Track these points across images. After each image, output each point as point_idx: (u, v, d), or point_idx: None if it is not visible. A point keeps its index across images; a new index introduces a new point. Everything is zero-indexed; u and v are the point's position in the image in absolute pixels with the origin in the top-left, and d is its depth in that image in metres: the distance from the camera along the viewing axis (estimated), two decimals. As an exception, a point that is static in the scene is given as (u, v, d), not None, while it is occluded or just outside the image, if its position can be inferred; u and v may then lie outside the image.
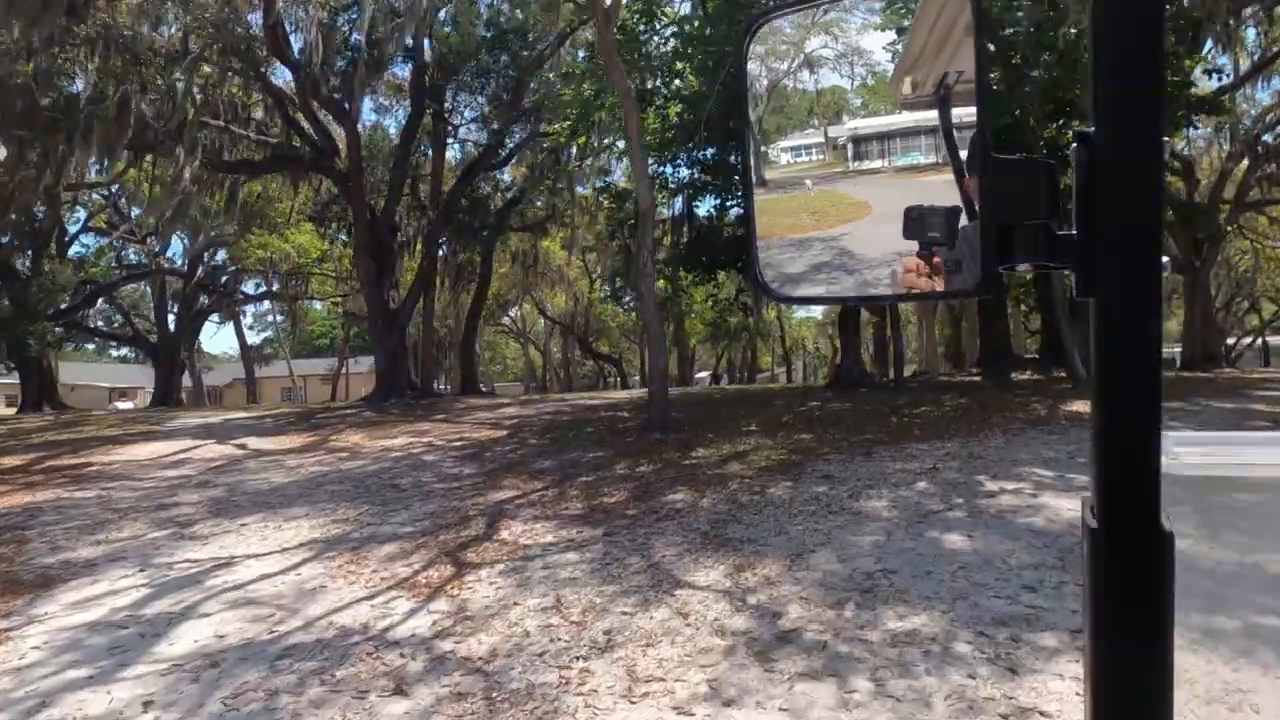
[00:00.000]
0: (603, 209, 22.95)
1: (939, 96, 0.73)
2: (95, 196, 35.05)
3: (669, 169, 19.24)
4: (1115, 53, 0.61)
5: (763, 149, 0.96)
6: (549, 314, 45.57)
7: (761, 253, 0.81)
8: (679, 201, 20.71)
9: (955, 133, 0.73)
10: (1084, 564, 0.64)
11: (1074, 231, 0.63)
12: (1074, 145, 0.62)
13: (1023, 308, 28.47)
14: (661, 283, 25.10)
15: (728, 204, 19.22)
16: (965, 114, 0.72)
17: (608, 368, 57.23)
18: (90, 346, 55.06)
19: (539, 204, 27.91)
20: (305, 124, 21.66)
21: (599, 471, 8.71)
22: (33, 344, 29.40)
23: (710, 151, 18.32)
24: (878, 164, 0.84)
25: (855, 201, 0.83)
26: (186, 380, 48.01)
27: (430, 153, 23.50)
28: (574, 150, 20.63)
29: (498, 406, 19.46)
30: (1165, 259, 0.61)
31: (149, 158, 27.43)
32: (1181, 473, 0.75)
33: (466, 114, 23.74)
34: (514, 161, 24.29)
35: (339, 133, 21.72)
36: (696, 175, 18.91)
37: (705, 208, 20.75)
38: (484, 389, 62.46)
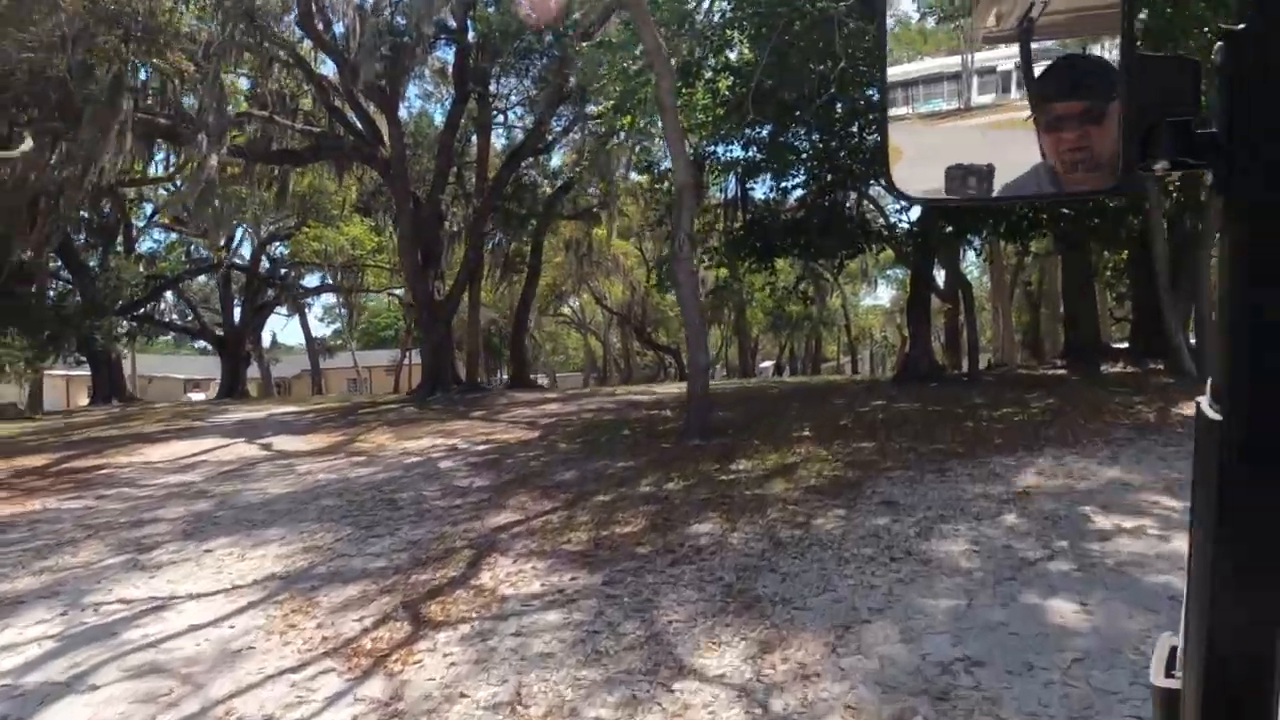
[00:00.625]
0: (652, 193, 21.62)
1: (1023, 29, 0.74)
2: (161, 192, 35.42)
3: (720, 148, 17.83)
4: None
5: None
6: (606, 304, 44.50)
7: (893, 160, 0.82)
8: (731, 184, 19.28)
9: (1036, 70, 0.73)
10: (1198, 465, 0.61)
11: (1215, 130, 0.62)
12: (1219, 43, 0.60)
13: (1110, 294, 26.09)
14: (720, 270, 23.74)
15: (784, 185, 17.72)
16: (1046, 49, 0.74)
17: (667, 358, 55.99)
18: (168, 339, 56.44)
19: (591, 190, 26.77)
20: (350, 113, 20.94)
21: (621, 488, 7.45)
22: (99, 339, 29.68)
23: (765, 129, 16.85)
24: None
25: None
26: (256, 372, 48.66)
27: (475, 139, 22.53)
28: (620, 131, 19.36)
29: (541, 402, 18.40)
30: None
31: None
32: None
33: (512, 97, 22.68)
34: (563, 146, 23.18)
35: (383, 121, 20.92)
36: (750, 155, 17.45)
37: (760, 190, 19.27)
38: (543, 380, 61.98)
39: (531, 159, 23.12)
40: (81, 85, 16.21)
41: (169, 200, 20.47)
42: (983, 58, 0.83)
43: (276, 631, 4.63)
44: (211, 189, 15.28)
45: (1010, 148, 0.79)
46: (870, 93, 16.15)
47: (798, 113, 15.31)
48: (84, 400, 38.18)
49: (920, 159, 0.84)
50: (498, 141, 24.74)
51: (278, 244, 37.33)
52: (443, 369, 21.12)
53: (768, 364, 66.27)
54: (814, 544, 5.27)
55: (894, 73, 0.86)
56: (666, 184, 16.76)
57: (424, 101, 30.84)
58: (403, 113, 22.43)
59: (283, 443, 13.49)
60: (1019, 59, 0.74)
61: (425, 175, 23.17)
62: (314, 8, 18.12)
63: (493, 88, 22.08)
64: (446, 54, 22.45)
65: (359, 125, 20.81)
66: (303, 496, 8.34)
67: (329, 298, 52.69)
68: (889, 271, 47.28)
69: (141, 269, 38.62)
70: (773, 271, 18.77)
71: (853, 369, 48.56)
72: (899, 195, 0.84)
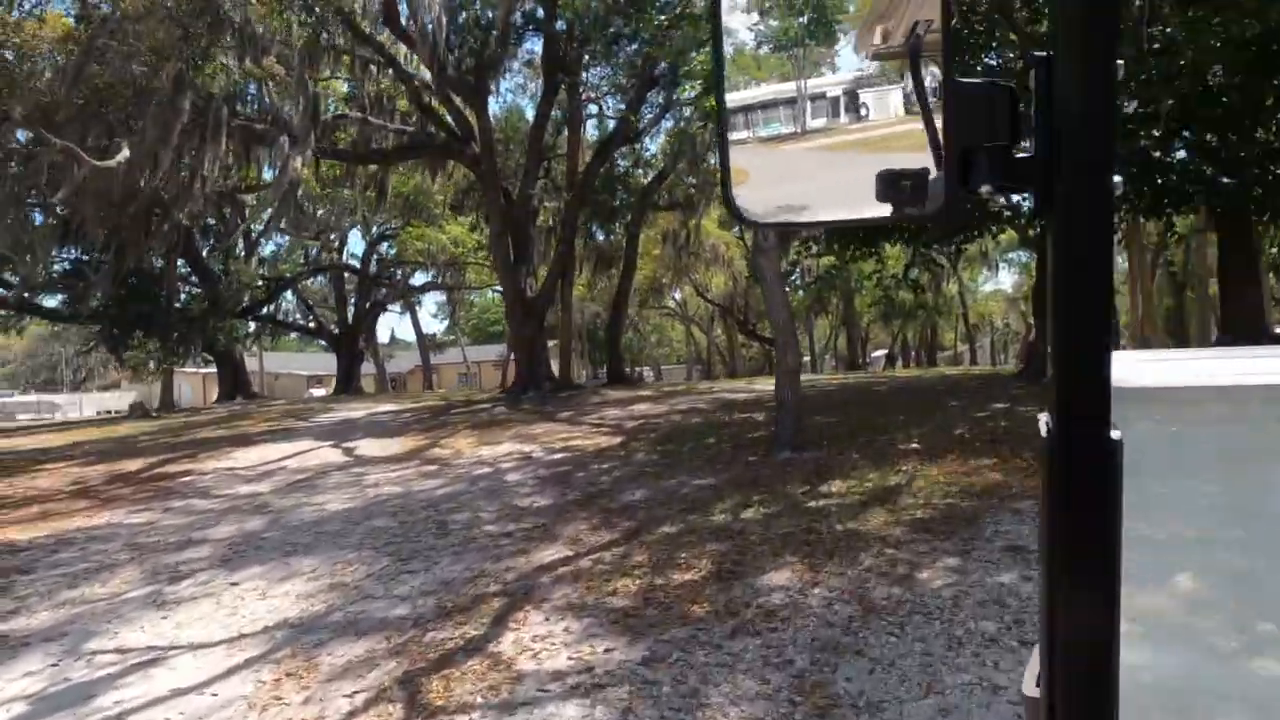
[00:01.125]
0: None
1: (910, 46, 0.76)
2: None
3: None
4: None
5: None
6: (708, 296, 43.34)
7: (736, 184, 0.82)
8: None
9: (925, 81, 0.74)
10: (1040, 472, 0.66)
11: (1033, 153, 0.64)
12: (1033, 68, 0.63)
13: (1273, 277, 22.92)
14: (828, 258, 22.21)
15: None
16: (933, 65, 0.74)
17: (772, 351, 54.36)
18: (292, 338, 59.15)
19: (689, 180, 25.72)
20: (442, 110, 20.68)
21: (691, 515, 6.44)
22: (222, 339, 30.95)
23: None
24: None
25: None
26: (372, 368, 50.23)
27: (566, 131, 21.87)
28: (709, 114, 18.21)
29: (633, 401, 17.55)
30: (1117, 179, 0.64)
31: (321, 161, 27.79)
32: (1135, 385, 0.76)
33: (602, 86, 21.87)
34: (656, 134, 22.22)
35: (474, 117, 20.55)
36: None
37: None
38: (648, 373, 61.34)
39: (624, 148, 22.28)
40: (180, 95, 16.48)
41: (257, 204, 20.63)
42: (815, 84, 0.85)
43: (259, 705, 3.89)
44: (294, 191, 15.17)
45: (844, 171, 0.82)
46: (992, 59, 14.49)
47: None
48: (215, 397, 40.00)
49: (763, 182, 0.85)
50: (589, 133, 24.06)
51: (385, 244, 38.13)
52: (536, 367, 20.61)
53: (879, 354, 63.39)
54: (916, 610, 4.10)
55: (733, 97, 0.86)
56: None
57: (514, 95, 30.49)
58: (492, 107, 22.04)
59: (367, 447, 13.16)
60: (907, 76, 0.77)
61: (516, 170, 22.73)
62: (398, 5, 17.84)
63: (582, 77, 21.35)
64: (535, 44, 21.87)
65: (450, 122, 20.51)
66: (357, 515, 7.74)
67: (439, 295, 53.81)
68: (1010, 254, 44.15)
69: (264, 271, 40.34)
70: (880, 258, 17.22)
71: (971, 359, 45.58)
72: (740, 218, 0.82)
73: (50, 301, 32.02)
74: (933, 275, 29.62)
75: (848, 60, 0.83)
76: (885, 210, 0.73)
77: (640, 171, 22.85)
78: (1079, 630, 0.66)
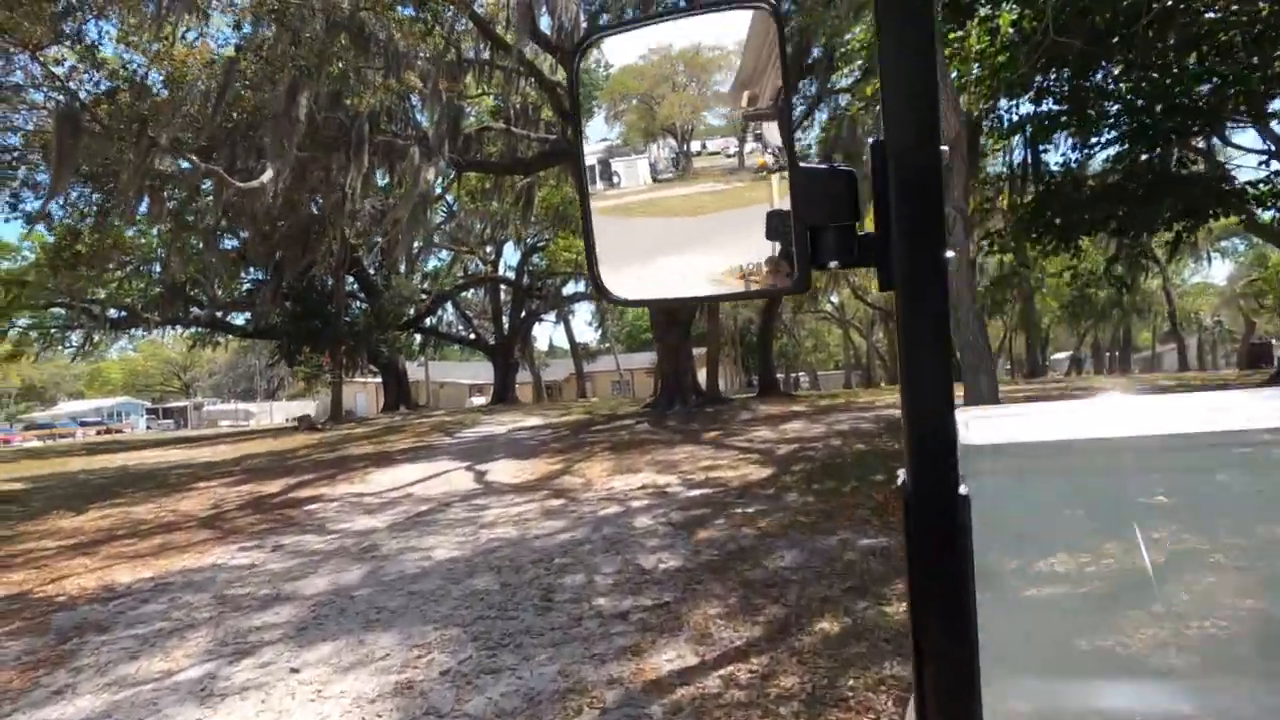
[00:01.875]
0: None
1: (776, 108, 0.80)
2: (438, 216, 37.75)
3: (1003, 103, 14.09)
4: (896, 74, 0.66)
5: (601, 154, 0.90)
6: (868, 299, 40.41)
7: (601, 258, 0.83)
8: (1018, 148, 15.34)
9: (792, 140, 0.78)
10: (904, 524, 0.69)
11: (873, 231, 0.69)
12: (871, 154, 0.66)
13: None
14: (1004, 256, 19.52)
15: (1092, 143, 13.61)
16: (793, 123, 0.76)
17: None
18: (456, 348, 61.27)
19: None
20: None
21: (862, 602, 4.80)
22: (384, 351, 31.86)
23: (1063, 73, 12.96)
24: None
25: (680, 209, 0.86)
26: (529, 376, 50.91)
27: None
28: (869, 102, 16.19)
29: (785, 418, 15.83)
30: (950, 254, 0.67)
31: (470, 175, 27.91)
32: (979, 442, 0.83)
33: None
34: (808, 125, 20.31)
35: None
36: (1044, 108, 13.54)
37: (1057, 153, 15.14)
38: (804, 379, 58.64)
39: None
40: (331, 114, 16.46)
41: (389, 216, 20.52)
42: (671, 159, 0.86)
43: None
44: (425, 203, 14.66)
45: (700, 246, 0.84)
46: (1212, 14, 11.80)
47: (1115, 39, 11.36)
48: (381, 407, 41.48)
49: (625, 256, 0.86)
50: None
51: (537, 256, 38.22)
52: (681, 379, 19.29)
53: (1060, 356, 57.39)
54: None
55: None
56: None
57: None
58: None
59: (499, 471, 12.29)
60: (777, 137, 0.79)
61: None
62: (536, 10, 17.10)
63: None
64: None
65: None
66: (460, 570, 6.64)
67: (591, 304, 53.86)
68: (1223, 242, 38.47)
69: (426, 286, 41.62)
70: (1076, 253, 14.59)
71: (1180, 362, 39.91)
72: (607, 296, 0.85)
73: (240, 319, 34.24)
74: (1134, 269, 25.79)
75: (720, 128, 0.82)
76: (741, 286, 0.79)
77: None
78: (941, 668, 0.70)
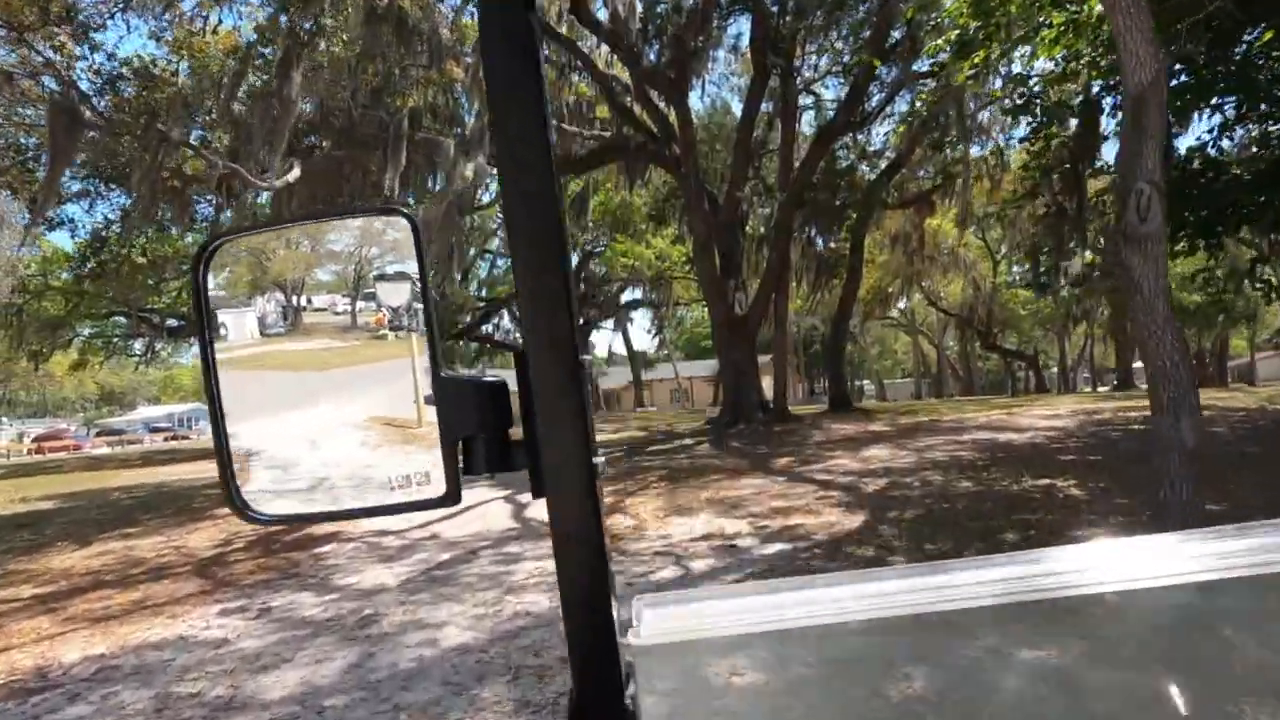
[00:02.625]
0: (1029, 145, 15.85)
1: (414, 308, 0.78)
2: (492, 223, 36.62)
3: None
4: (531, 285, 0.65)
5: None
6: (942, 305, 37.83)
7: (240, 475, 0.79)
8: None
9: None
10: None
11: (524, 439, 0.68)
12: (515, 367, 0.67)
13: None
14: (1089, 256, 17.33)
15: (1243, 123, 11.43)
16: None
17: (1016, 365, 46.86)
18: (508, 357, 60.27)
19: (923, 173, 21.49)
20: (640, 111, 18.27)
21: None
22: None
23: (1202, 39, 10.80)
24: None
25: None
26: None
27: (779, 123, 18.61)
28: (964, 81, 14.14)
29: (865, 439, 13.93)
30: (600, 460, 0.69)
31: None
32: (650, 643, 0.77)
33: (820, 67, 18.39)
34: (887, 116, 18.33)
35: (673, 114, 17.92)
36: (1179, 81, 11.38)
37: (1193, 134, 12.95)
38: (869, 388, 56.03)
39: (847, 139, 18.62)
40: (371, 110, 15.22)
41: (420, 218, 19.13)
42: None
43: None
44: (460, 201, 13.20)
45: (346, 460, 0.79)
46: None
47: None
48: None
49: (271, 467, 0.82)
50: (806, 128, 20.62)
51: (593, 262, 36.81)
52: (745, 395, 17.47)
53: (1139, 366, 53.32)
54: None
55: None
56: (1055, 123, 11.30)
57: (718, 89, 27.48)
58: (694, 105, 19.30)
59: (541, 503, 10.71)
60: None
61: (722, 174, 19.81)
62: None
63: (797, 61, 18.01)
64: (742, 27, 18.87)
65: (648, 123, 18.01)
66: (468, 668, 5.02)
67: (648, 312, 52.37)
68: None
69: (484, 293, 40.61)
70: (1216, 251, 12.34)
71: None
72: (247, 516, 0.78)
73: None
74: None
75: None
76: (396, 499, 0.75)
77: (866, 167, 19.02)
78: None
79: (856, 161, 18.79)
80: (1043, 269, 13.86)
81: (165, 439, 49.99)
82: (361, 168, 14.23)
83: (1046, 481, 8.74)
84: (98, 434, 48.92)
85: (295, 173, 12.64)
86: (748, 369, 17.49)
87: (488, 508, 10.67)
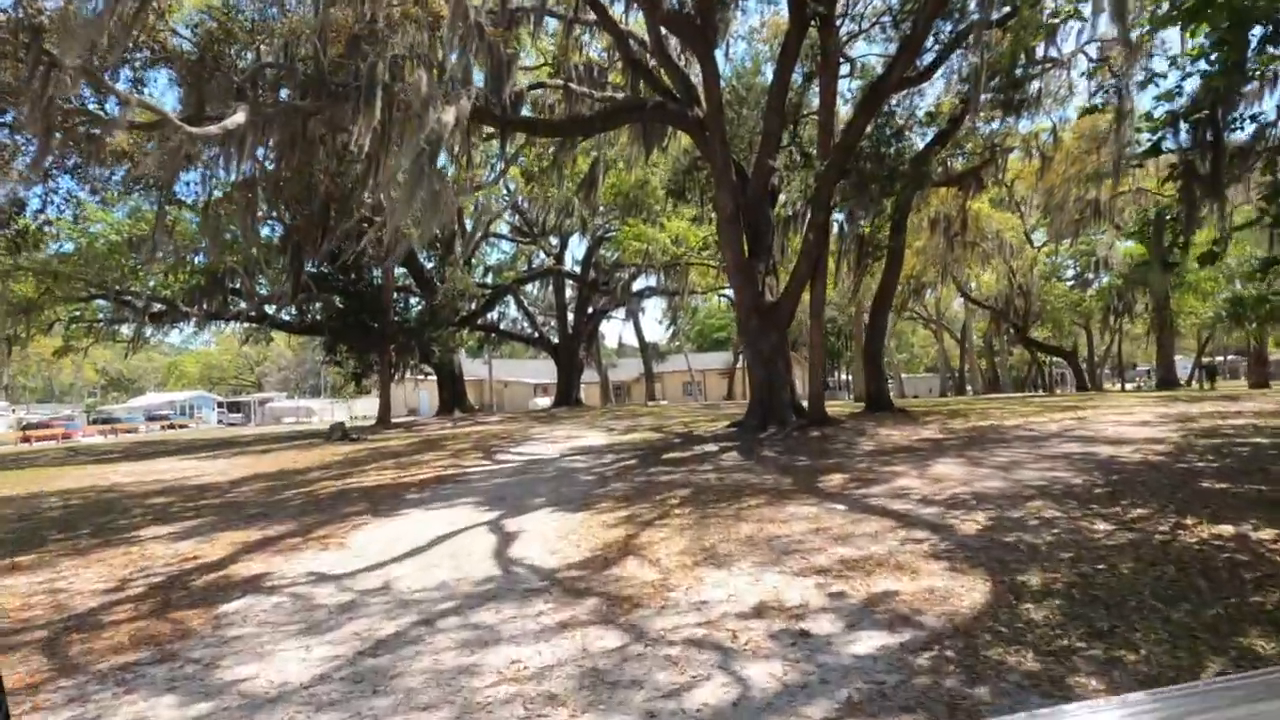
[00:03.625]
0: (1101, 111, 13.24)
1: None
2: (496, 201, 34.15)
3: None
4: None
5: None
6: (972, 295, 35.14)
7: None
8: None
9: None
10: None
11: None
12: None
13: None
14: (1137, 249, 14.75)
15: None
16: None
17: (1047, 361, 44.03)
18: (523, 345, 57.90)
19: (968, 147, 18.87)
20: (659, 70, 15.73)
21: None
22: (436, 350, 28.38)
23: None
24: None
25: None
26: (596, 376, 47.10)
27: (817, 83, 16.02)
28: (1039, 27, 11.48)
29: (925, 450, 11.43)
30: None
31: (528, 152, 24.13)
32: None
33: (865, 13, 15.77)
34: (945, 73, 15.70)
35: (696, 70, 15.38)
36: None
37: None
38: (909, 399, 53.17)
39: (896, 100, 16.02)
40: (346, 60, 12.73)
41: (385, 173, 16.74)
42: None
43: None
44: (434, 153, 10.64)
45: None
46: None
47: None
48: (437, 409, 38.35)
49: None
50: (848, 91, 18.04)
51: (604, 248, 34.33)
52: (776, 393, 14.97)
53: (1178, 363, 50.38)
54: None
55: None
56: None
57: (747, 44, 24.61)
58: (722, 65, 16.71)
59: (533, 536, 8.26)
60: None
61: (750, 142, 17.27)
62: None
63: (840, 6, 15.42)
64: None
65: (668, 83, 15.49)
66: None
67: (661, 300, 49.73)
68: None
69: (490, 280, 38.15)
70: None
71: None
72: None
73: (286, 314, 31.32)
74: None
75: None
76: None
77: (911, 136, 16.38)
78: None
79: (910, 125, 16.15)
80: (1170, 243, 11.27)
81: (162, 427, 47.88)
82: (332, 122, 11.81)
83: (1231, 528, 6.22)
84: (91, 422, 46.79)
85: (239, 117, 10.19)
86: (780, 363, 14.98)
87: (465, 539, 8.23)
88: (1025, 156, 21.90)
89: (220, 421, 56.64)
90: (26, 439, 38.25)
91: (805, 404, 15.59)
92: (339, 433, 20.92)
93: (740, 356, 51.56)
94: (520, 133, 15.90)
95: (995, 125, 18.46)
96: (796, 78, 16.22)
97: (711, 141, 14.52)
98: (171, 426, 48.28)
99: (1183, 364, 44.40)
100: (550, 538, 7.98)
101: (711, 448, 13.71)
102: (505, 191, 31.19)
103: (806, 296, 15.48)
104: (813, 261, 14.70)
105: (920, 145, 16.34)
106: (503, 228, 36.57)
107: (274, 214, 21.41)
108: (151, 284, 28.31)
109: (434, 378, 34.82)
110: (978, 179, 19.23)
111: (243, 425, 52.13)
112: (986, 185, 19.87)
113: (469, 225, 33.72)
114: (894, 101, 15.73)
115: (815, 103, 16.08)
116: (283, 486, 13.23)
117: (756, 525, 7.69)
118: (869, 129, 14.61)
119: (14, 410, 60.70)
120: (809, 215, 15.16)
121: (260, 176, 12.75)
